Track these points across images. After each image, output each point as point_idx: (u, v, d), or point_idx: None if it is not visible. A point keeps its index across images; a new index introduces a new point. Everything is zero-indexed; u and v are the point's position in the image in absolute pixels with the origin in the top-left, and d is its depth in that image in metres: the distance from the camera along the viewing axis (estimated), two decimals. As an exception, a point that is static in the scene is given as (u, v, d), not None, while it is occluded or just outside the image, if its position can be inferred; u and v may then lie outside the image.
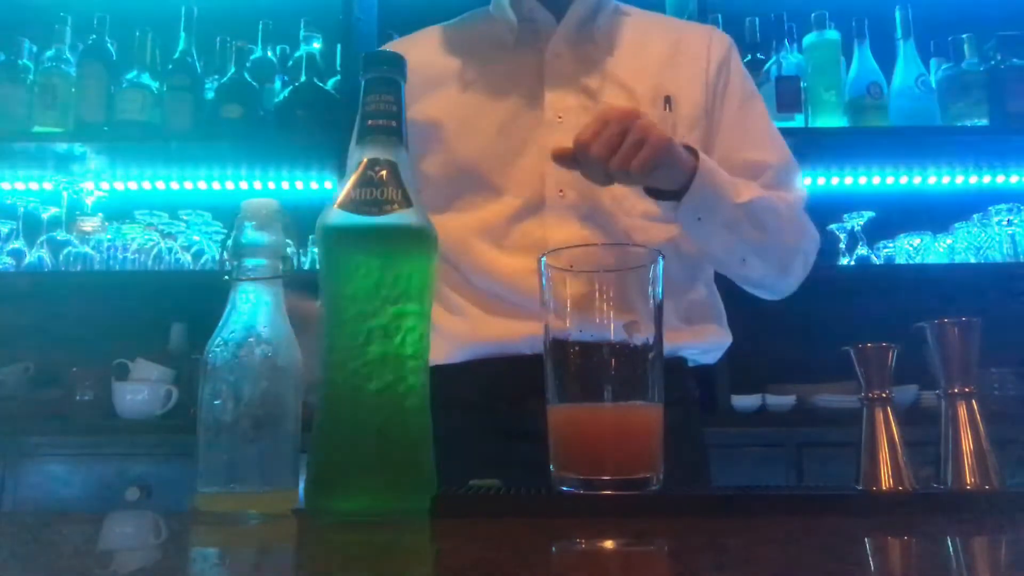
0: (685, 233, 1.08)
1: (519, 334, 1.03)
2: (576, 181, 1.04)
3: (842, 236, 2.34)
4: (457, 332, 1.08)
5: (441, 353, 1.10)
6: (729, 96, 1.16)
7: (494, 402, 1.05)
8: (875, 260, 2.35)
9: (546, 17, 1.14)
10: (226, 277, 0.70)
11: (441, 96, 1.14)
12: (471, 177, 1.10)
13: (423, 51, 1.18)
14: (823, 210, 2.38)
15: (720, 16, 2.36)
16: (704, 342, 1.12)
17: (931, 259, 2.35)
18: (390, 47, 1.23)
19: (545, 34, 1.14)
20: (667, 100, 1.11)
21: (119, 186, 2.58)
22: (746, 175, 1.10)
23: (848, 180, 2.59)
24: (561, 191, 1.06)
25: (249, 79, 2.33)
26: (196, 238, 2.39)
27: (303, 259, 2.32)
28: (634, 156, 0.91)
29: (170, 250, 2.36)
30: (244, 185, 2.59)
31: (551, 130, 1.08)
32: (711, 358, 1.16)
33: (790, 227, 1.11)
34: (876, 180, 2.60)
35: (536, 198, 1.07)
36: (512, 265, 1.06)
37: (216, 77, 2.37)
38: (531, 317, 1.02)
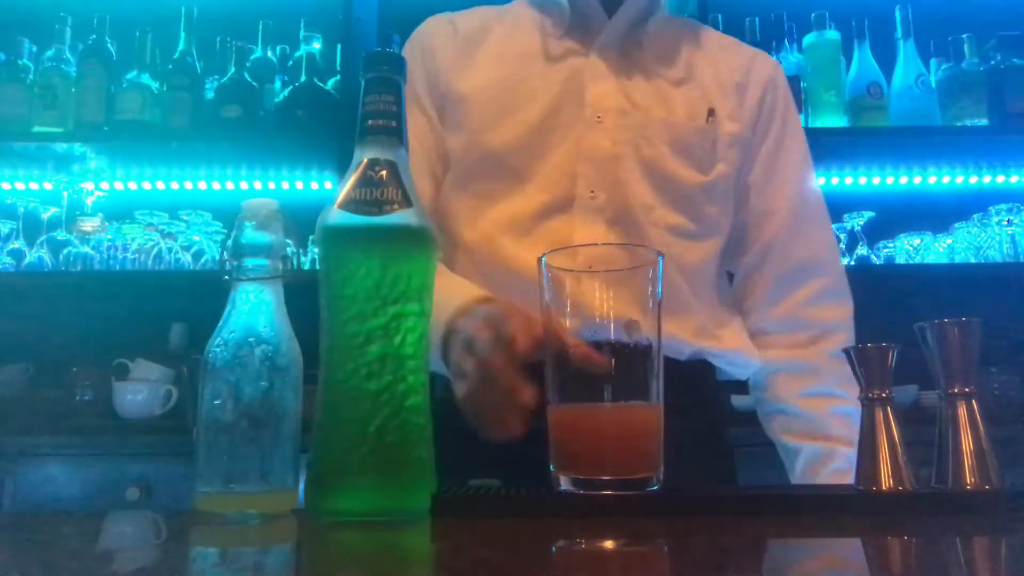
0: (714, 255, 1.09)
1: None
2: (607, 183, 1.03)
3: (842, 236, 2.34)
4: None
5: None
6: (772, 131, 1.14)
7: None
8: (875, 260, 2.35)
9: (599, 13, 1.11)
10: (226, 277, 0.70)
11: (481, 77, 1.10)
12: (497, 164, 1.07)
13: (472, 26, 1.15)
14: (823, 210, 2.40)
15: (720, 16, 2.36)
16: (728, 348, 1.10)
17: (931, 259, 2.35)
18: (438, 18, 1.18)
19: (595, 30, 1.11)
20: (711, 112, 1.09)
21: (119, 186, 2.58)
22: (792, 278, 1.11)
23: (848, 180, 2.59)
24: (592, 192, 1.03)
25: (249, 79, 2.33)
26: (196, 238, 2.39)
27: (303, 259, 2.32)
28: None
29: (170, 250, 2.37)
30: (244, 185, 2.60)
31: (589, 129, 1.05)
32: (741, 372, 1.13)
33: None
34: (876, 180, 2.60)
35: (565, 196, 1.04)
36: (532, 260, 1.02)
37: (216, 77, 2.37)
38: None
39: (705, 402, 1.10)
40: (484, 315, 0.84)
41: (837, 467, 1.02)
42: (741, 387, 2.12)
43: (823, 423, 1.06)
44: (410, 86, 1.09)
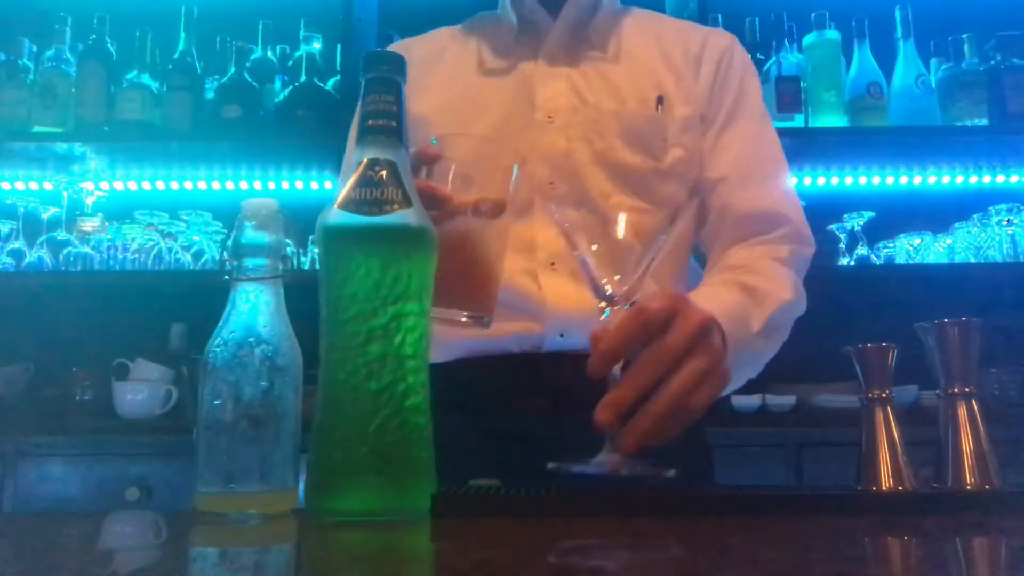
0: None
1: (507, 332, 1.02)
2: (565, 175, 1.05)
3: (842, 236, 2.34)
4: (443, 331, 1.07)
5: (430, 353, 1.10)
6: (725, 102, 1.14)
7: (482, 401, 1.04)
8: (875, 260, 2.35)
9: (544, 18, 1.14)
10: (226, 277, 0.70)
11: (436, 98, 1.14)
12: (462, 188, 1.09)
13: (426, 51, 1.19)
14: (823, 210, 2.39)
15: (720, 16, 2.36)
16: None
17: (931, 259, 2.35)
18: (396, 46, 1.23)
19: (543, 34, 1.14)
20: (659, 99, 1.11)
21: (119, 186, 2.58)
22: (757, 227, 1.08)
23: (848, 180, 2.59)
24: (552, 183, 1.06)
25: (249, 79, 2.33)
26: (196, 238, 2.39)
27: (303, 259, 2.32)
28: (692, 395, 0.71)
29: (170, 250, 2.36)
30: (244, 185, 2.59)
31: (541, 131, 1.08)
32: None
33: (800, 301, 1.05)
34: (876, 180, 2.60)
35: (524, 199, 1.06)
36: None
37: (216, 77, 2.37)
38: (519, 316, 1.03)
39: None
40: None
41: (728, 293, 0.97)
42: (741, 387, 2.13)
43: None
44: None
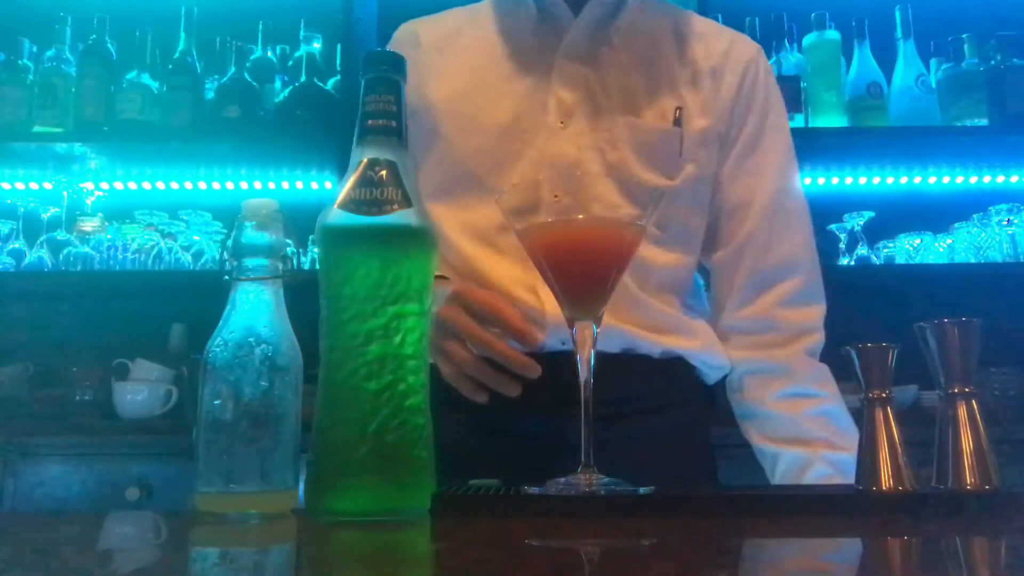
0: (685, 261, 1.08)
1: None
2: (571, 188, 1.00)
3: (842, 236, 2.34)
4: None
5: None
6: (748, 123, 1.10)
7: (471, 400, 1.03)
8: (875, 260, 2.35)
9: (565, 13, 1.08)
10: (226, 277, 0.70)
11: (449, 86, 1.10)
12: (465, 174, 1.07)
13: (439, 33, 1.15)
14: (823, 210, 2.39)
15: (720, 16, 2.35)
16: (697, 348, 1.08)
17: (931, 259, 2.35)
18: (405, 28, 1.18)
19: (563, 29, 1.08)
20: (678, 111, 1.06)
21: (119, 186, 2.58)
22: (778, 275, 1.08)
23: (848, 180, 2.59)
24: (556, 196, 1.04)
25: (249, 79, 2.33)
26: (196, 238, 2.39)
27: (303, 259, 2.32)
28: None
29: (170, 250, 2.37)
30: (244, 185, 2.59)
31: (552, 135, 1.04)
32: (714, 373, 1.12)
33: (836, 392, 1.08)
34: (876, 180, 2.59)
35: (530, 204, 1.03)
36: (501, 271, 1.04)
37: (216, 77, 2.37)
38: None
39: (682, 401, 1.08)
40: (446, 297, 0.93)
41: (818, 474, 1.01)
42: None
43: (799, 426, 1.05)
44: None
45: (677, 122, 1.06)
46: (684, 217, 1.07)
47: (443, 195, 1.08)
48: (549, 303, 1.02)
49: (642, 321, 1.03)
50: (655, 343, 1.04)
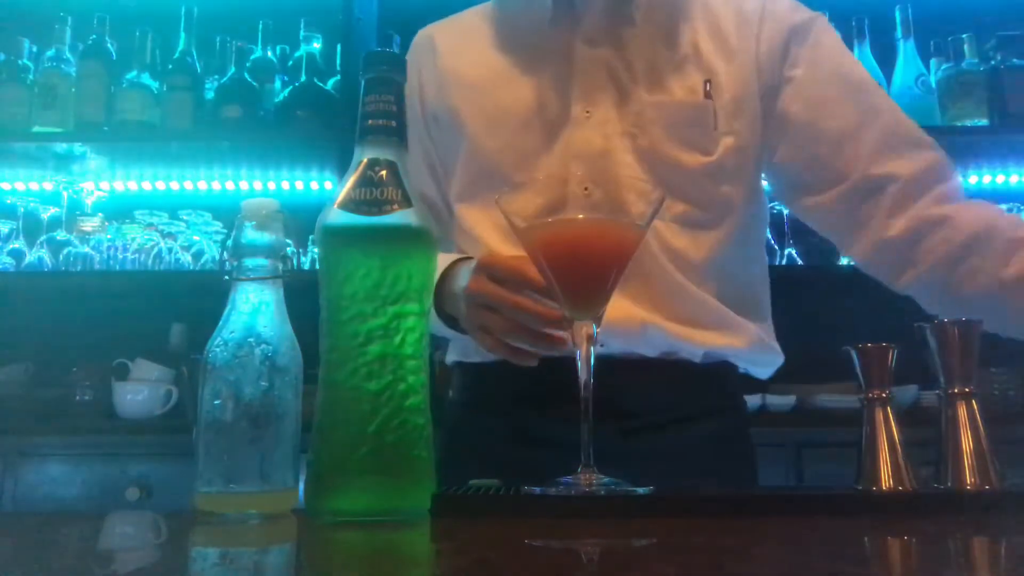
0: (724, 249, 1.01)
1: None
2: (601, 179, 0.97)
3: (842, 236, 2.34)
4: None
5: (461, 351, 1.09)
6: (804, 82, 1.02)
7: (514, 403, 1.01)
8: (875, 260, 2.35)
9: None
10: (226, 277, 0.70)
11: (468, 88, 1.08)
12: (493, 172, 1.04)
13: (454, 39, 1.13)
14: (823, 210, 2.40)
15: (720, 16, 2.36)
16: (747, 347, 1.03)
17: (931, 259, 2.34)
18: (422, 33, 1.16)
19: (580, 15, 1.04)
20: (707, 83, 1.00)
21: (119, 186, 2.58)
22: (909, 188, 0.98)
23: (848, 180, 2.59)
24: (586, 188, 0.97)
25: (249, 79, 2.33)
26: (196, 238, 2.39)
27: (303, 259, 2.32)
28: None
29: (170, 250, 2.37)
30: (244, 185, 2.59)
31: (578, 126, 1.00)
32: (763, 372, 1.08)
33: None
34: (876, 180, 2.59)
35: (558, 198, 0.95)
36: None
37: (216, 77, 2.37)
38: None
39: (722, 408, 1.05)
40: (473, 270, 0.89)
41: None
42: (751, 387, 2.13)
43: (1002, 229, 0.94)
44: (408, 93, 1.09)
45: (708, 95, 1.00)
46: (728, 193, 1.01)
47: (472, 197, 1.06)
48: None
49: (682, 314, 0.98)
50: (697, 345, 0.99)
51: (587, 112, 1.01)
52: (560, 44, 1.04)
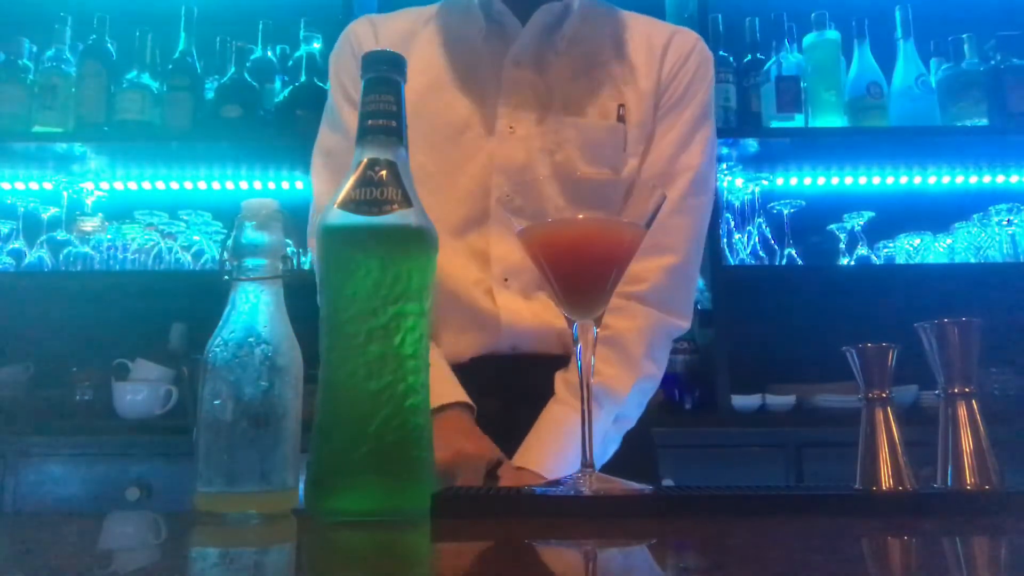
0: None
1: (464, 343, 1.06)
2: (522, 188, 1.00)
3: (842, 236, 2.34)
4: None
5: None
6: (670, 93, 1.12)
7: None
8: (875, 260, 2.35)
9: (512, 22, 1.11)
10: (226, 277, 0.70)
11: (408, 85, 1.11)
12: (424, 176, 1.07)
13: (395, 35, 1.16)
14: (823, 210, 2.40)
15: (720, 16, 2.36)
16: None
17: (931, 259, 2.35)
18: (362, 21, 1.19)
19: (511, 38, 1.12)
20: (620, 108, 1.10)
21: (119, 186, 2.58)
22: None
23: (848, 180, 2.59)
24: (508, 195, 1.01)
25: (249, 79, 2.33)
26: (196, 238, 2.39)
27: (303, 259, 2.32)
28: None
29: (170, 250, 2.37)
30: (244, 185, 2.60)
31: (501, 141, 1.08)
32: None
33: (648, 378, 1.08)
34: (876, 180, 2.60)
35: (479, 210, 1.07)
36: (459, 273, 1.07)
37: (216, 77, 2.37)
38: (474, 329, 1.06)
39: None
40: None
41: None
42: (741, 387, 2.13)
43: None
44: (342, 84, 1.14)
45: (621, 119, 1.10)
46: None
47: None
48: (503, 310, 1.05)
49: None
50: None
51: (511, 128, 1.09)
52: (490, 63, 1.12)
